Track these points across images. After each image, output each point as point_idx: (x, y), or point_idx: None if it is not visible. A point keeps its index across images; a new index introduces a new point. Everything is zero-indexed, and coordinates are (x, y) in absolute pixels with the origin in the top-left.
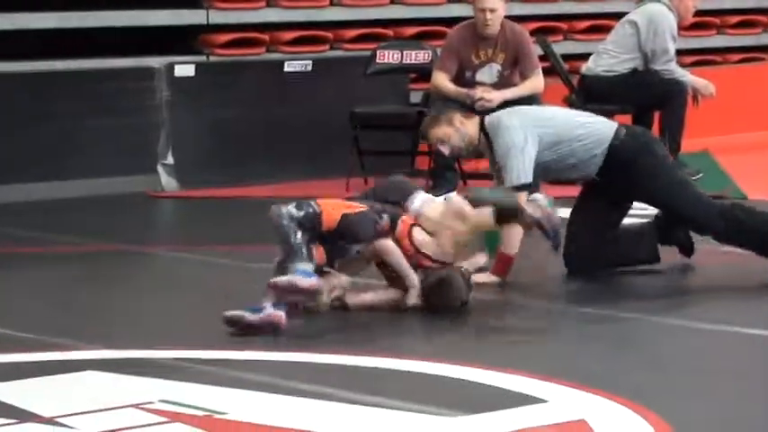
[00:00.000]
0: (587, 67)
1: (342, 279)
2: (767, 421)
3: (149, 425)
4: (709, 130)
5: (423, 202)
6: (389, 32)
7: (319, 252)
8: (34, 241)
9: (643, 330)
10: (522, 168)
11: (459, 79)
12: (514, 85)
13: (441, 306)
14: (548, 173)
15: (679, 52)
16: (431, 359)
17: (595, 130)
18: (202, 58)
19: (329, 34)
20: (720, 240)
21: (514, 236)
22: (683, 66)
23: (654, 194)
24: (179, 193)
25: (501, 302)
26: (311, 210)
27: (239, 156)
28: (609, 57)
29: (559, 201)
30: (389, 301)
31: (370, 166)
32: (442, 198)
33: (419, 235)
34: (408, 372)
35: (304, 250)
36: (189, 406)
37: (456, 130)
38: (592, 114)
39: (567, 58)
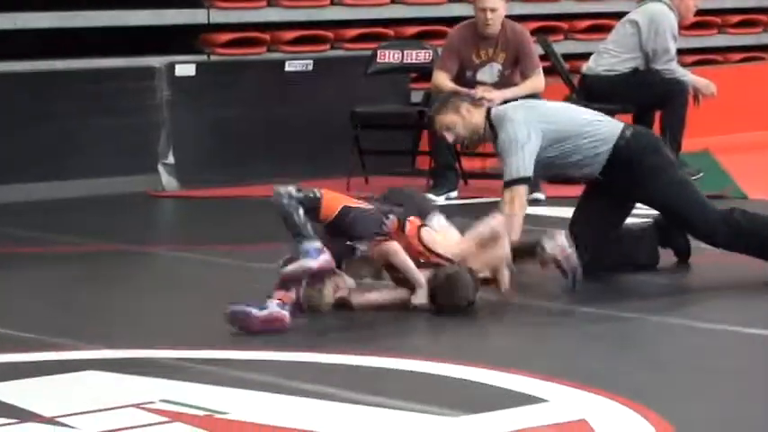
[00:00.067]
0: (588, 66)
1: (347, 280)
2: (767, 421)
3: (150, 425)
4: (709, 130)
5: (440, 226)
6: (390, 32)
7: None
8: (34, 241)
9: (644, 330)
10: (521, 164)
11: (459, 79)
12: (515, 84)
13: (447, 306)
14: (551, 169)
15: (680, 52)
16: (433, 359)
17: (601, 128)
18: (203, 58)
19: (330, 34)
20: (721, 247)
21: (516, 222)
22: (683, 65)
23: (656, 196)
24: (180, 193)
25: (502, 302)
26: (311, 194)
27: (240, 155)
28: (610, 56)
29: (562, 200)
30: (394, 301)
31: (371, 166)
32: (457, 224)
33: (428, 235)
34: (411, 372)
35: (309, 227)
36: (190, 406)
37: (462, 119)
38: (599, 113)
39: (568, 57)
